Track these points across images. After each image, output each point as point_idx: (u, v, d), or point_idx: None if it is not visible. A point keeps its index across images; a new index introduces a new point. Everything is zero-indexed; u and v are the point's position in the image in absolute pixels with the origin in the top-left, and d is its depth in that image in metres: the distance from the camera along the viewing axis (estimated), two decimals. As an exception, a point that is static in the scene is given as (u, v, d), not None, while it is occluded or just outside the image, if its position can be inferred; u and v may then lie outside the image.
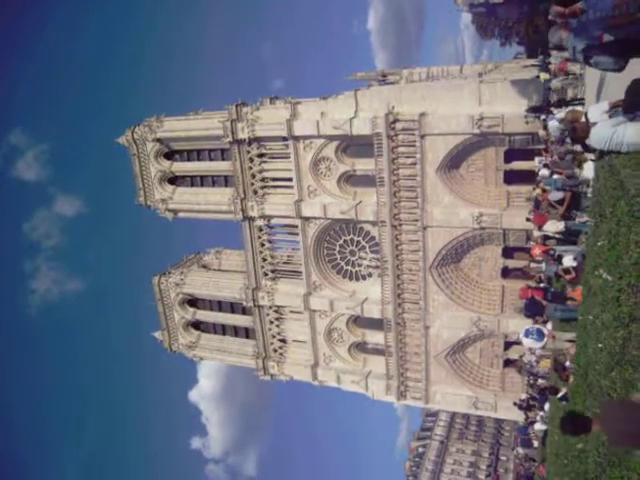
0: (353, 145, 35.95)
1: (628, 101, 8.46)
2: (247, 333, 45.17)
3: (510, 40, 76.38)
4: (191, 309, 46.11)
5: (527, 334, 19.04)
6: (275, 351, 43.01)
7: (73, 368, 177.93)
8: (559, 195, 18.72)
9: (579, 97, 23.81)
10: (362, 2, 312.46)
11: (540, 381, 24.85)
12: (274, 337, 42.70)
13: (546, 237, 20.74)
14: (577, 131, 9.54)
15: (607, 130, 8.40)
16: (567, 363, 17.85)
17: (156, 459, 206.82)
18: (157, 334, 47.47)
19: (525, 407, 30.41)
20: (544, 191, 22.56)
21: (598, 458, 9.19)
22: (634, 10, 7.54)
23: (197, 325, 47.17)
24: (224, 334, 46.55)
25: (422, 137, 32.93)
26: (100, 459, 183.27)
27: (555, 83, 25.48)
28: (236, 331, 46.06)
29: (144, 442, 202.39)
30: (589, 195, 15.32)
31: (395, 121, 33.01)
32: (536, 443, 29.82)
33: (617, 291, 7.96)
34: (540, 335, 18.18)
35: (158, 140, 40.60)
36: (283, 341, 43.04)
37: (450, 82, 39.57)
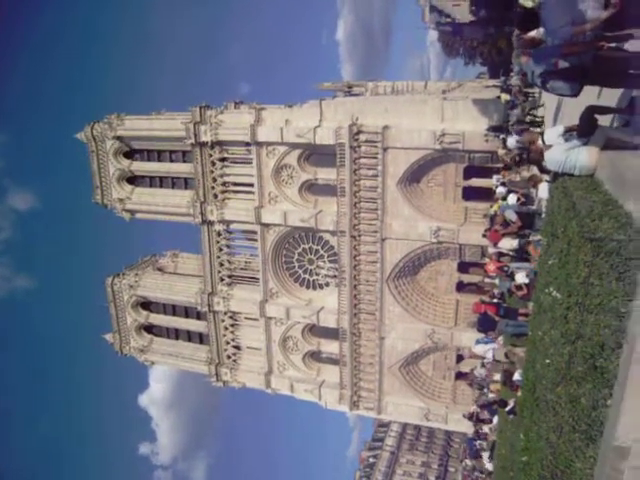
0: (316, 154, 36.10)
1: (582, 126, 8.77)
2: (201, 338, 44.56)
3: (474, 60, 78.30)
4: (144, 312, 45.21)
5: (477, 342, 19.43)
6: (229, 357, 42.55)
7: (19, 367, 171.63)
8: (514, 215, 19.21)
9: (538, 119, 24.57)
10: (332, 13, 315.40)
11: (490, 395, 25.33)
12: (228, 343, 42.26)
13: (501, 254, 21.21)
14: (532, 154, 9.88)
15: (560, 154, 8.69)
16: (516, 376, 18.28)
17: (103, 464, 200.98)
18: (108, 336, 46.32)
19: (474, 420, 30.91)
20: (499, 207, 23.13)
21: (541, 471, 9.40)
22: (590, 39, 7.85)
23: (150, 329, 46.25)
24: (177, 339, 45.79)
25: (384, 150, 33.34)
26: (46, 462, 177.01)
27: (516, 112, 26.21)
28: (190, 336, 45.39)
29: (91, 446, 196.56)
30: (543, 215, 15.78)
31: (358, 132, 33.33)
32: (485, 455, 30.33)
33: (565, 309, 8.19)
34: (489, 339, 18.56)
35: (118, 138, 39.85)
36: (237, 348, 42.63)
37: (414, 97, 40.24)
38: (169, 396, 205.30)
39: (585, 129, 8.53)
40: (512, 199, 20.36)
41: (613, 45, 8.06)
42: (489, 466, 27.21)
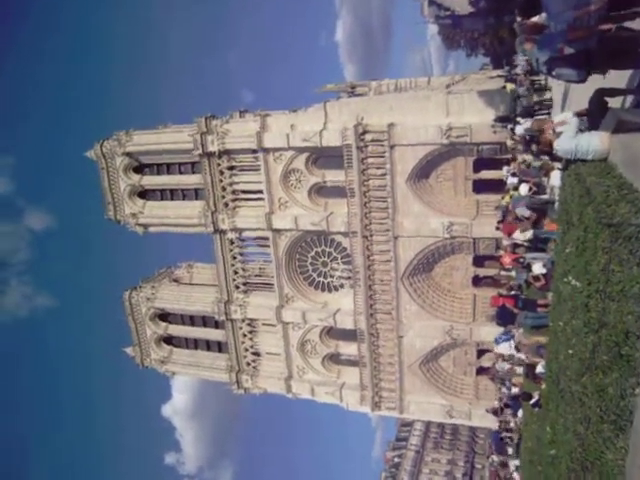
0: (323, 157, 36.05)
1: (592, 110, 8.62)
2: (220, 347, 44.64)
3: (476, 51, 77.77)
4: (163, 324, 45.40)
5: (497, 342, 19.21)
6: (248, 364, 42.57)
7: (44, 384, 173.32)
8: (527, 211, 19.00)
9: (547, 102, 24.32)
10: (330, 14, 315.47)
11: (513, 389, 25.07)
12: (247, 350, 42.28)
13: (516, 245, 21.00)
14: (542, 144, 9.75)
15: (570, 142, 8.55)
16: (538, 368, 18.04)
17: (130, 475, 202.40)
18: (129, 350, 46.57)
19: (498, 413, 30.63)
20: (511, 197, 22.92)
21: (571, 463, 9.24)
22: (594, 23, 7.70)
23: (169, 340, 46.44)
24: (196, 348, 45.92)
25: (391, 148, 33.21)
26: (73, 475, 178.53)
27: (523, 101, 25.96)
28: (209, 345, 45.50)
29: (118, 458, 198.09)
30: (556, 204, 15.56)
31: (364, 132, 33.23)
32: (510, 450, 30.03)
33: (586, 297, 8.04)
34: (508, 334, 18.33)
35: (127, 154, 40.11)
36: (256, 354, 42.65)
37: (418, 93, 40.05)
38: (192, 406, 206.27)
39: (595, 113, 8.38)
40: (524, 189, 20.12)
41: (620, 25, 7.89)
42: (514, 463, 26.92)
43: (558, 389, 10.77)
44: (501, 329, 22.24)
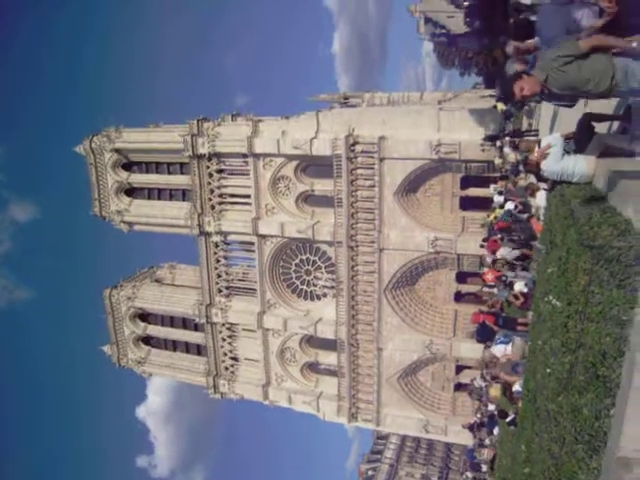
0: (313, 165, 36.15)
1: (579, 133, 8.77)
2: (199, 350, 44.34)
3: (469, 70, 78.64)
4: (142, 324, 45.00)
5: (496, 342, 19.25)
6: (226, 369, 42.30)
7: (18, 378, 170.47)
8: (515, 253, 19.28)
9: (533, 128, 24.64)
10: (328, 25, 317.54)
11: (490, 406, 25.13)
12: (226, 355, 42.03)
13: (499, 263, 21.15)
14: (529, 165, 9.91)
15: (556, 164, 8.69)
16: (516, 387, 18.12)
17: (100, 476, 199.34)
18: (106, 348, 46.07)
19: (474, 430, 30.70)
20: (496, 218, 23.15)
21: (544, 482, 9.28)
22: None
23: (147, 340, 46.03)
24: (175, 350, 45.56)
25: (381, 160, 33.39)
26: (43, 474, 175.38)
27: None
28: (187, 348, 45.17)
29: (88, 458, 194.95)
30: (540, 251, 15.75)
31: (355, 143, 33.39)
32: (485, 467, 30.08)
33: (565, 317, 8.12)
34: (508, 337, 18.38)
35: (116, 150, 39.89)
36: (235, 359, 42.40)
37: (410, 108, 40.37)
38: (167, 408, 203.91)
39: (582, 137, 8.52)
40: (510, 206, 20.36)
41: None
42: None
43: (534, 407, 10.83)
44: (481, 345, 22.33)
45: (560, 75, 6.83)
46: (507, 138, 24.80)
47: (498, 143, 26.61)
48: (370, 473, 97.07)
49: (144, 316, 45.18)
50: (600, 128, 9.38)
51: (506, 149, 22.66)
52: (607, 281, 6.76)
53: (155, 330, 45.04)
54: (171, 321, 44.62)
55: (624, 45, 6.31)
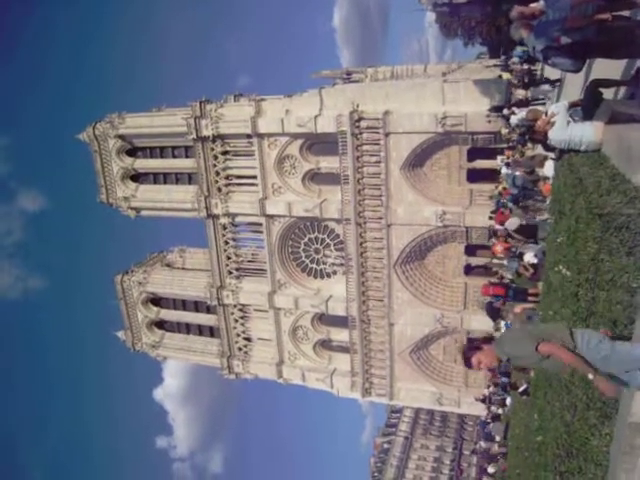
0: (318, 143, 35.92)
1: (586, 100, 8.63)
2: (212, 332, 44.71)
3: (473, 40, 77.30)
4: (155, 308, 45.38)
5: (507, 326, 19.40)
6: (240, 349, 42.69)
7: (36, 367, 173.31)
8: (515, 224, 19.16)
9: (540, 97, 24.31)
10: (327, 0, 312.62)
11: (502, 378, 25.30)
12: (239, 336, 42.38)
13: (508, 235, 21.09)
14: (536, 132, 9.75)
15: (564, 132, 8.56)
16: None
17: (121, 459, 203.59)
18: (120, 333, 46.55)
19: (487, 402, 30.95)
20: (505, 189, 22.98)
21: (557, 450, 9.37)
22: (592, 12, 7.67)
23: (161, 324, 46.45)
24: (188, 333, 45.96)
25: (386, 135, 33.12)
26: (65, 458, 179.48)
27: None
28: (200, 330, 45.55)
29: (108, 442, 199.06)
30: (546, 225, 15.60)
31: (359, 119, 33.11)
32: (498, 437, 30.35)
33: (576, 286, 8.11)
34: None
35: (120, 137, 39.80)
36: (248, 339, 42.76)
37: (414, 81, 39.91)
38: (184, 390, 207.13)
39: (590, 103, 8.39)
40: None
41: (616, 15, 7.86)
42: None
43: (546, 377, 10.89)
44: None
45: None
46: (514, 108, 24.49)
47: (505, 111, 26.27)
48: (385, 446, 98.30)
49: (156, 300, 45.52)
50: (608, 94, 9.23)
51: (513, 119, 22.38)
52: (617, 249, 6.74)
53: (168, 314, 45.43)
54: (183, 304, 44.95)
55: (583, 369, 6.01)
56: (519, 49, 26.64)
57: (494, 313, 21.21)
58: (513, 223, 18.97)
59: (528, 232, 18.87)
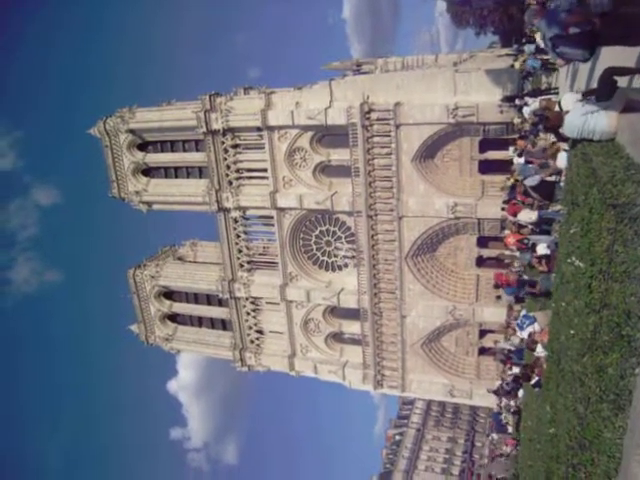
0: (328, 135, 35.82)
1: (601, 88, 8.49)
2: (224, 325, 44.96)
3: (485, 29, 76.49)
4: (167, 302, 45.69)
5: (521, 328, 19.16)
6: (252, 342, 42.89)
7: (51, 360, 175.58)
8: (536, 180, 18.71)
9: (553, 86, 24.01)
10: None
11: (514, 369, 25.16)
12: (251, 328, 42.57)
13: (520, 226, 20.92)
14: (550, 120, 9.61)
15: (578, 119, 8.43)
16: (538, 349, 18.06)
17: (136, 450, 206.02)
18: (133, 327, 46.95)
19: (500, 394, 30.83)
20: (517, 181, 22.76)
21: (569, 442, 9.32)
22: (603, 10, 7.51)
23: (174, 317, 46.77)
24: (201, 326, 46.27)
25: (397, 127, 32.94)
26: (82, 450, 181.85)
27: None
28: (213, 323, 45.81)
29: (124, 433, 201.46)
30: (562, 185, 15.42)
31: (370, 111, 32.94)
32: (510, 429, 30.28)
33: (589, 278, 8.02)
34: (532, 318, 18.29)
35: (131, 131, 39.96)
36: (260, 332, 42.93)
37: (425, 72, 39.58)
38: (198, 382, 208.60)
39: (604, 92, 8.24)
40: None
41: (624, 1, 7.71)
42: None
43: (559, 369, 10.82)
44: (503, 310, 22.30)
45: None
46: (526, 98, 24.23)
47: (517, 101, 26.00)
48: (397, 438, 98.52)
49: (169, 294, 45.83)
50: (622, 82, 9.08)
51: (526, 109, 22.14)
52: (631, 240, 6.64)
53: (180, 307, 45.72)
54: (195, 298, 45.21)
55: None
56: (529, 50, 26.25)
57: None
58: (534, 179, 18.48)
59: (546, 191, 18.36)
